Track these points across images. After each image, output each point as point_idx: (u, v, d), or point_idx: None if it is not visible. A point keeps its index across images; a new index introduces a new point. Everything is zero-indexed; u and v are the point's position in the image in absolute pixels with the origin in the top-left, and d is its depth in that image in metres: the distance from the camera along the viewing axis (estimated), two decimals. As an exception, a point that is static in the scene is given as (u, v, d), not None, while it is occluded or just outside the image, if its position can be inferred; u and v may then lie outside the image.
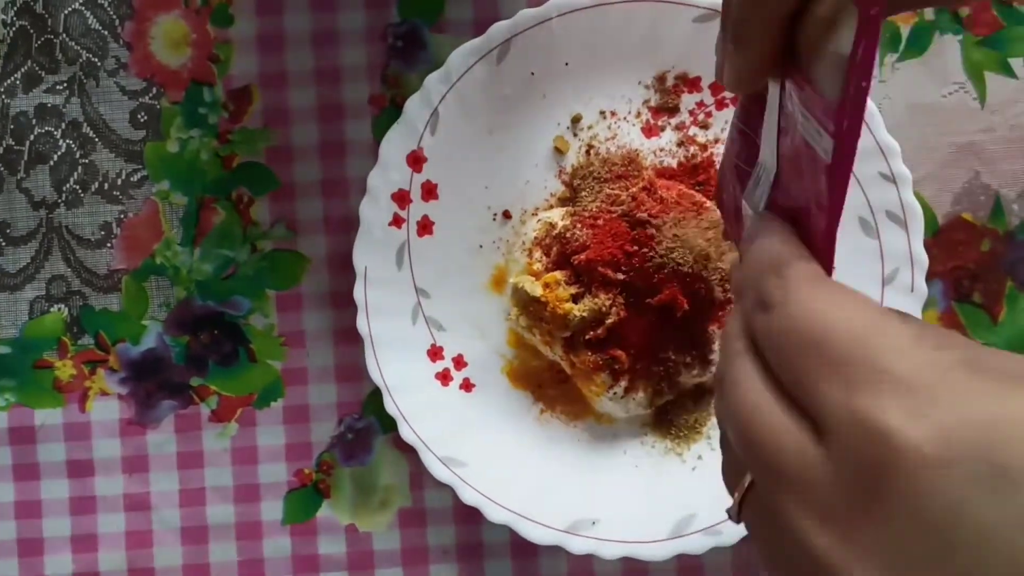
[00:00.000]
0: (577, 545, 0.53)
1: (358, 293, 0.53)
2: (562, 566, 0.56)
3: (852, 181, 0.51)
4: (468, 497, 0.53)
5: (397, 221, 0.54)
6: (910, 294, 0.52)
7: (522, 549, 0.55)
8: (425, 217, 0.54)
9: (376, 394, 0.54)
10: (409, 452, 0.54)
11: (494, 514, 0.53)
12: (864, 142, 0.51)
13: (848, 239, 0.53)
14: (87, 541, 0.56)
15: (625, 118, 0.54)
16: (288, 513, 0.56)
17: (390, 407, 0.53)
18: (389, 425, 0.55)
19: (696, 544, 0.53)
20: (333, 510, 0.56)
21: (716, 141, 0.54)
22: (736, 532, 0.53)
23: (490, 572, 0.56)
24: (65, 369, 0.56)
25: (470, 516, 0.54)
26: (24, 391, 0.56)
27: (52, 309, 0.56)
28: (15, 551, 0.56)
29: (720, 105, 0.54)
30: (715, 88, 0.54)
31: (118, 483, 0.56)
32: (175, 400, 0.56)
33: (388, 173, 0.53)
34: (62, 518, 0.56)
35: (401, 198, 0.54)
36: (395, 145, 0.53)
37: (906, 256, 0.52)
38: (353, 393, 0.56)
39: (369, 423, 0.56)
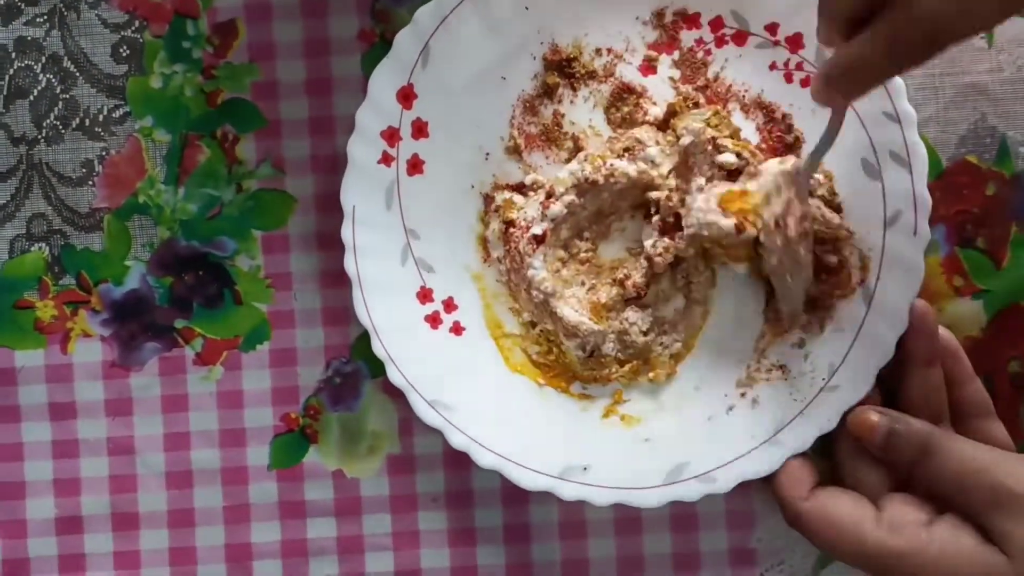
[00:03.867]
0: (568, 491, 0.53)
1: (346, 233, 0.53)
2: (553, 513, 0.56)
3: (854, 120, 0.51)
4: (456, 441, 0.53)
5: (386, 159, 0.54)
6: (912, 237, 0.51)
7: (512, 496, 0.55)
8: (415, 155, 0.54)
9: (365, 338, 0.54)
10: (398, 397, 0.54)
11: (483, 458, 0.53)
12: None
13: (850, 180, 0.53)
14: (70, 485, 0.56)
15: (622, 56, 0.54)
16: (274, 458, 0.56)
17: (378, 349, 0.53)
18: (378, 369, 0.54)
19: (689, 491, 0.53)
20: (320, 456, 0.56)
21: (715, 79, 0.54)
22: (730, 480, 0.53)
23: (480, 519, 0.56)
24: (46, 310, 0.56)
25: (460, 463, 0.54)
26: (4, 332, 0.56)
27: (33, 248, 0.56)
28: (-4, 494, 0.56)
29: (720, 42, 0.53)
30: (714, 24, 0.53)
31: (101, 426, 0.56)
32: (159, 342, 0.56)
33: (377, 110, 0.53)
34: (44, 461, 0.56)
35: (390, 136, 0.54)
36: (384, 81, 0.53)
37: (909, 198, 0.51)
38: (341, 336, 0.56)
39: (357, 367, 0.56)
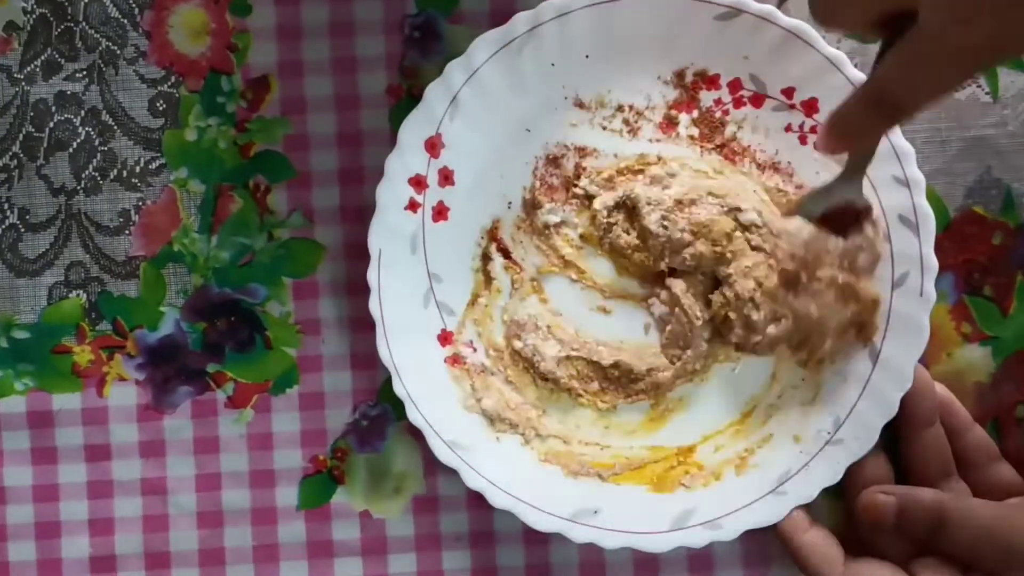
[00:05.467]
0: (578, 534, 0.54)
1: (371, 275, 0.54)
2: (572, 554, 0.56)
3: (865, 184, 0.51)
4: (472, 481, 0.54)
5: (413, 205, 0.54)
6: (919, 298, 0.52)
7: (533, 537, 0.56)
8: (440, 203, 0.55)
9: (390, 382, 0.54)
10: (423, 439, 0.54)
11: (497, 499, 0.54)
12: (879, 145, 0.51)
13: None
14: (104, 525, 0.57)
15: (643, 112, 0.55)
16: (303, 499, 0.57)
17: (399, 389, 0.54)
18: (403, 412, 0.54)
19: (696, 537, 0.53)
20: (347, 496, 0.57)
21: (732, 138, 0.54)
22: (736, 527, 0.53)
23: (502, 559, 0.57)
24: (83, 354, 0.57)
25: (482, 504, 0.55)
26: (42, 376, 0.57)
27: (70, 295, 0.57)
28: (32, 534, 0.56)
29: (738, 103, 0.54)
30: (733, 86, 0.54)
31: (135, 467, 0.57)
32: (191, 386, 0.57)
33: (405, 157, 0.54)
34: (79, 502, 0.56)
35: (418, 183, 0.54)
36: (413, 130, 0.54)
37: (916, 260, 0.52)
38: (368, 381, 0.57)
39: (383, 410, 0.57)
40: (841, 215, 0.50)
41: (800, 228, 0.51)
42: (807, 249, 0.50)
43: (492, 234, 0.55)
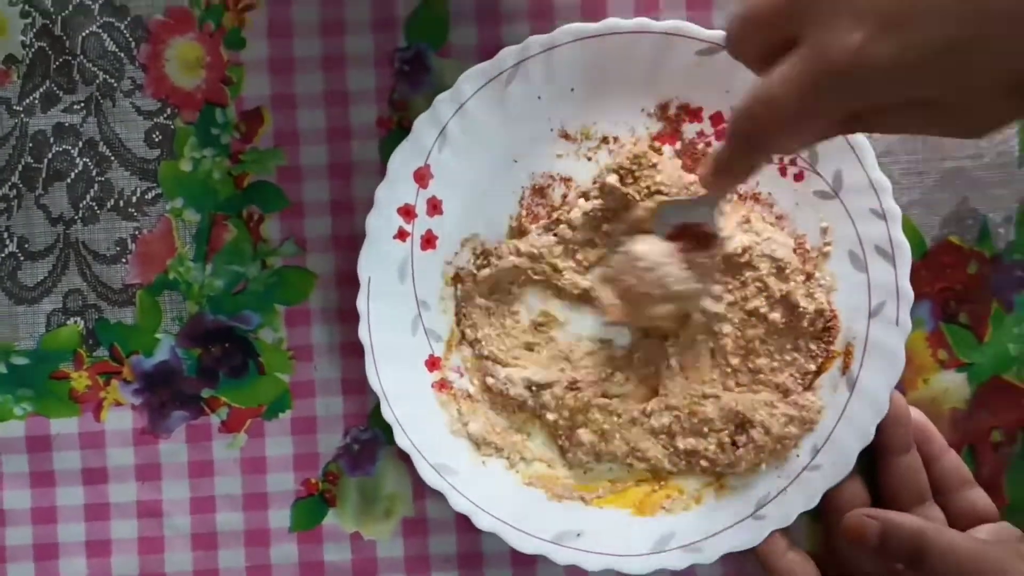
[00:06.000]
0: (561, 556, 0.54)
1: (361, 303, 0.55)
2: None
3: (844, 215, 0.53)
4: (458, 504, 0.55)
5: (402, 234, 0.55)
6: (895, 327, 0.53)
7: (520, 558, 0.56)
8: (429, 231, 0.56)
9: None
10: (412, 463, 0.55)
11: (482, 522, 0.55)
12: (857, 178, 0.52)
13: (838, 272, 0.54)
14: (101, 546, 0.57)
15: (627, 145, 0.55)
16: (295, 521, 0.58)
17: (387, 414, 0.55)
18: (393, 436, 0.55)
19: (676, 560, 0.54)
20: (338, 518, 0.58)
21: None
22: (716, 551, 0.54)
23: None
24: (81, 380, 0.57)
25: (470, 526, 0.55)
26: (41, 401, 0.57)
27: (68, 322, 0.57)
28: (31, 555, 0.57)
29: (720, 135, 0.55)
30: (715, 119, 0.55)
31: (131, 490, 0.57)
32: (186, 411, 0.57)
33: (395, 188, 0.55)
34: (77, 524, 0.57)
35: (406, 212, 0.55)
36: (403, 161, 0.54)
37: (892, 290, 0.53)
38: (359, 405, 0.57)
39: (374, 434, 0.58)
40: (691, 232, 0.51)
41: (647, 252, 0.51)
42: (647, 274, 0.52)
43: (480, 262, 0.57)
